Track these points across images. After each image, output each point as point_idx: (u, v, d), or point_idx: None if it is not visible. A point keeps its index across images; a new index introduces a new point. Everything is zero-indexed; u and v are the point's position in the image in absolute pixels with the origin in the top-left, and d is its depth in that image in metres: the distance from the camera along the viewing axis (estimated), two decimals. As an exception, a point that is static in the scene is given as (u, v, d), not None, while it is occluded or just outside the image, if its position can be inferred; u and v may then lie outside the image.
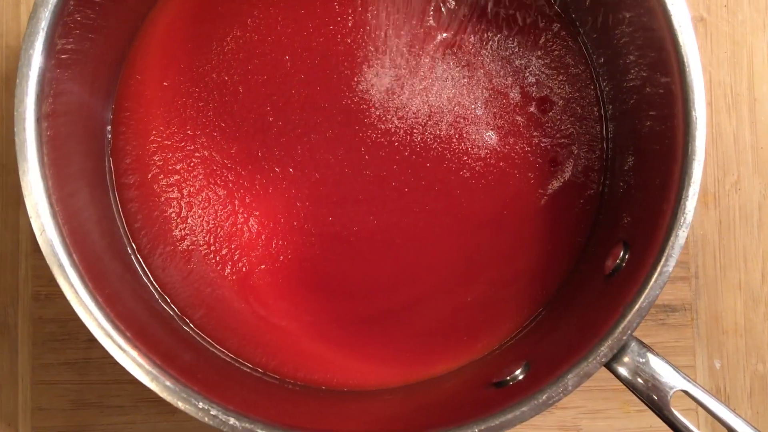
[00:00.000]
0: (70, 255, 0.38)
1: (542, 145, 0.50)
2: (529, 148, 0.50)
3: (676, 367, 0.39)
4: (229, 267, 0.49)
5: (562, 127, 0.50)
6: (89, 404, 0.52)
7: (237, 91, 0.49)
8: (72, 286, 0.37)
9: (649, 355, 0.39)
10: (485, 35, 0.50)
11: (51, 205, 0.38)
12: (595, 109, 0.50)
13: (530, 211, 0.50)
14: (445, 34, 0.50)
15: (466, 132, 0.50)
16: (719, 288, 0.54)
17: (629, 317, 0.38)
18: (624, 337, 0.38)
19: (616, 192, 0.49)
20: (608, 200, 0.49)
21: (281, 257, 0.49)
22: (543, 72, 0.50)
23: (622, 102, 0.49)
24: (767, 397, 0.54)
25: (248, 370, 0.48)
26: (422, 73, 0.49)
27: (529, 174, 0.50)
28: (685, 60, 0.39)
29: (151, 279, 0.48)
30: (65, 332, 0.52)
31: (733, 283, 0.54)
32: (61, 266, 0.37)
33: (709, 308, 0.54)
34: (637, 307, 0.38)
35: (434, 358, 0.49)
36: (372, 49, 0.49)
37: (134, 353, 0.37)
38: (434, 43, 0.50)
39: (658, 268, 0.38)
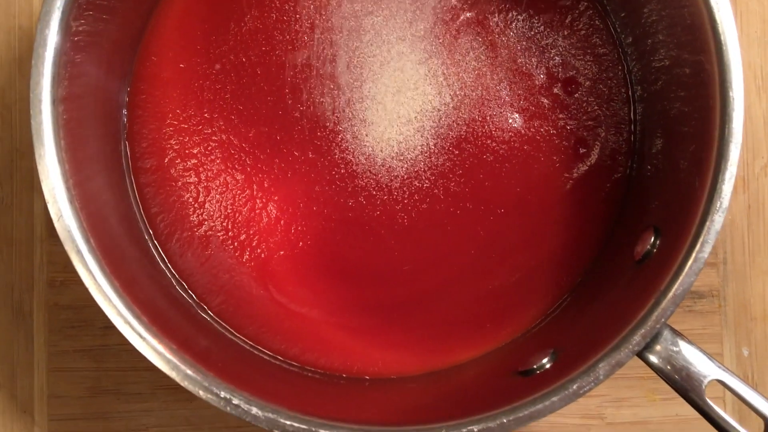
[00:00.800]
0: (87, 241, 0.37)
1: (568, 127, 0.49)
2: (554, 131, 0.49)
3: (710, 356, 0.38)
4: (247, 253, 0.48)
5: (589, 109, 0.49)
6: (106, 391, 0.51)
7: (255, 73, 0.48)
8: (90, 272, 0.36)
9: (682, 343, 0.38)
10: (510, 14, 0.48)
11: (68, 189, 0.37)
12: (623, 90, 0.49)
13: (556, 195, 0.48)
14: (468, 14, 0.48)
15: (490, 115, 0.48)
16: (748, 274, 0.53)
17: (663, 305, 0.37)
18: (657, 326, 0.37)
19: (644, 175, 0.48)
20: (636, 184, 0.48)
21: (301, 243, 0.48)
22: (569, 52, 0.49)
23: (651, 83, 0.47)
24: (796, 386, 0.53)
25: (268, 358, 0.47)
26: (445, 54, 0.48)
27: (555, 157, 0.48)
28: (722, 38, 0.38)
29: (169, 265, 0.47)
30: (81, 319, 0.51)
31: (763, 269, 0.53)
32: (79, 252, 0.36)
33: (737, 295, 0.53)
34: (671, 294, 0.37)
35: (457, 345, 0.48)
36: (397, 27, 0.48)
37: (154, 341, 0.37)
38: (458, 22, 0.48)
39: (693, 254, 0.37)
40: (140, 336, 0.36)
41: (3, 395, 0.51)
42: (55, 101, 0.37)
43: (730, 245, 0.53)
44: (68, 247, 0.36)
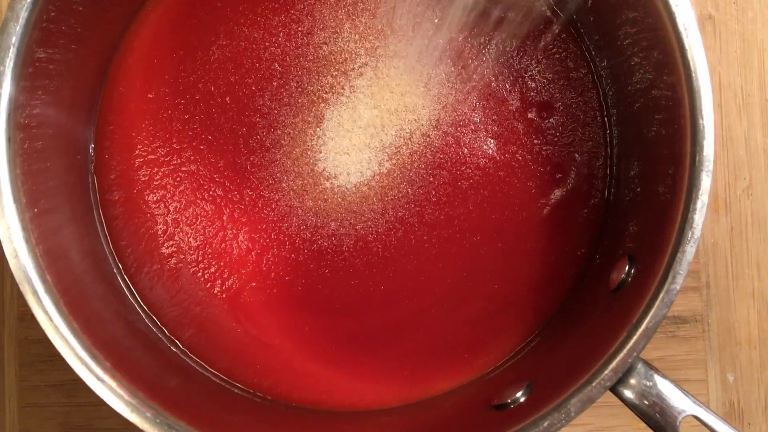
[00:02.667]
0: (44, 279, 0.36)
1: (543, 152, 0.48)
2: (529, 156, 0.48)
3: (685, 391, 0.37)
4: (218, 285, 0.47)
5: (564, 134, 0.48)
6: (78, 427, 0.50)
7: (224, 103, 0.47)
8: (46, 312, 0.36)
9: (657, 378, 0.37)
10: (482, 39, 0.48)
11: (24, 225, 0.37)
12: (598, 114, 0.48)
13: (532, 221, 0.48)
14: (441, 39, 0.48)
15: (464, 140, 0.48)
16: (732, 298, 0.52)
17: (634, 339, 0.36)
18: (629, 360, 0.36)
19: (621, 201, 0.47)
20: (614, 210, 0.47)
21: (272, 274, 0.47)
22: (543, 76, 0.48)
23: (627, 106, 0.47)
24: (783, 412, 0.52)
25: (240, 392, 0.46)
26: (416, 79, 0.48)
27: (530, 183, 0.48)
28: (692, 64, 0.37)
29: (138, 299, 0.47)
30: (52, 353, 0.49)
31: (746, 292, 0.52)
32: (35, 293, 0.36)
33: (721, 319, 0.52)
34: (642, 327, 0.36)
35: (433, 376, 0.48)
36: (367, 54, 0.48)
37: (112, 383, 0.36)
38: (430, 47, 0.48)
39: (665, 286, 0.36)
40: (98, 378, 0.36)
41: (-27, 432, 0.50)
42: (11, 138, 0.36)
43: (713, 268, 0.52)
44: (24, 288, 0.35)
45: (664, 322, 0.52)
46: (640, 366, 0.37)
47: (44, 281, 0.36)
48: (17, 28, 0.36)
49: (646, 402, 0.37)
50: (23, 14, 0.36)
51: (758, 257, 0.52)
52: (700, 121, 0.37)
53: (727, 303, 0.52)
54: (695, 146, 0.37)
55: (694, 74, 0.37)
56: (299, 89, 0.47)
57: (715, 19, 0.53)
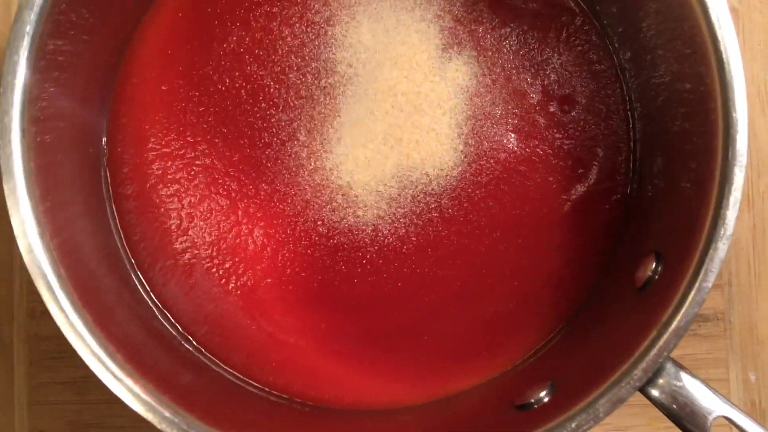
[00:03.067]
0: (58, 274, 0.36)
1: (565, 147, 0.47)
2: (551, 151, 0.47)
3: (715, 390, 0.36)
4: (233, 281, 0.46)
5: (586, 128, 0.47)
6: (89, 425, 0.49)
7: (239, 95, 0.46)
8: (60, 307, 0.35)
9: (686, 377, 0.36)
10: (503, 30, 0.47)
11: (38, 219, 0.36)
12: (621, 108, 0.47)
13: (553, 217, 0.47)
14: (461, 31, 0.47)
15: (484, 134, 0.47)
16: (754, 296, 0.51)
17: (665, 338, 0.35)
18: (659, 359, 0.35)
19: (644, 197, 0.46)
20: (637, 206, 0.46)
21: (288, 270, 0.46)
22: (565, 69, 0.47)
23: (651, 99, 0.46)
24: (806, 412, 0.51)
25: (254, 390, 0.46)
26: (437, 72, 0.47)
27: (551, 178, 0.47)
28: (724, 57, 0.36)
29: (152, 295, 0.46)
30: (62, 350, 0.49)
31: (769, 290, 0.51)
32: (49, 287, 0.35)
33: (743, 317, 0.51)
34: (673, 326, 0.35)
35: (451, 374, 0.47)
36: (386, 45, 0.47)
37: (129, 381, 0.35)
38: (451, 39, 0.47)
39: (696, 284, 0.35)
40: (115, 376, 0.35)
41: (-18, 430, 0.49)
42: (25, 129, 0.35)
43: (735, 266, 0.51)
44: (38, 283, 0.35)
45: (686, 321, 0.51)
46: (669, 365, 0.36)
47: (58, 275, 0.35)
48: (32, 16, 0.35)
49: (674, 402, 0.36)
50: (38, 1, 0.35)
51: (781, 255, 0.51)
52: (733, 115, 0.36)
53: (749, 301, 0.51)
54: (728, 140, 0.36)
55: (727, 66, 0.36)
56: (316, 81, 0.46)
57: (738, 12, 0.52)
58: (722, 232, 0.35)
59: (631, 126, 0.47)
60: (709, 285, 0.35)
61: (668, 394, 0.36)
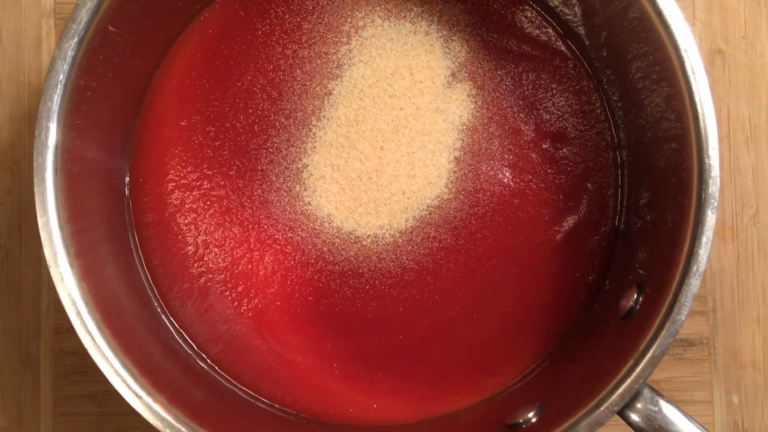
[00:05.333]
0: (83, 293, 0.39)
1: (557, 181, 0.50)
2: (543, 185, 0.50)
3: (689, 416, 0.38)
4: (245, 303, 0.49)
5: (577, 164, 0.50)
6: (109, 435, 0.53)
7: (252, 130, 0.49)
8: (84, 324, 0.38)
9: (662, 403, 0.39)
10: (500, 71, 0.50)
11: (65, 242, 0.39)
12: (611, 145, 0.50)
13: (545, 247, 0.50)
14: (461, 71, 0.50)
15: (481, 168, 0.50)
16: (737, 322, 0.54)
17: (641, 366, 0.38)
18: (636, 386, 0.38)
19: (632, 229, 0.49)
20: (624, 238, 0.49)
21: (296, 294, 0.49)
22: (558, 109, 0.50)
23: (638, 136, 0.48)
24: (786, 433, 0.54)
25: (264, 406, 0.49)
26: (439, 111, 0.50)
27: (544, 211, 0.50)
28: (699, 108, 0.39)
29: (169, 316, 0.49)
30: (85, 365, 0.53)
31: (752, 317, 0.54)
32: (73, 304, 0.38)
33: (726, 343, 0.54)
34: (649, 355, 0.38)
35: (449, 394, 0.50)
36: (389, 88, 0.50)
37: (146, 397, 0.38)
38: (451, 80, 0.50)
39: (671, 316, 0.38)
40: (133, 392, 0.38)
41: (10, 439, 0.52)
42: (57, 169, 0.39)
43: (719, 294, 0.54)
44: (63, 298, 0.38)
45: (672, 345, 0.53)
46: (646, 391, 0.39)
47: (83, 296, 0.39)
48: (64, 66, 0.39)
49: (651, 426, 0.38)
50: (70, 53, 0.39)
51: (764, 283, 0.54)
52: (707, 161, 0.38)
53: (733, 327, 0.54)
54: (702, 184, 0.39)
55: (701, 116, 0.39)
56: (325, 119, 0.49)
57: (724, 52, 0.55)
58: (695, 269, 0.38)
59: (619, 161, 0.50)
60: (683, 317, 0.38)
61: (645, 417, 0.39)
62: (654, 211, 0.47)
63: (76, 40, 0.39)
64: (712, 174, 0.38)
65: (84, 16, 0.39)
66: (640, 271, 0.45)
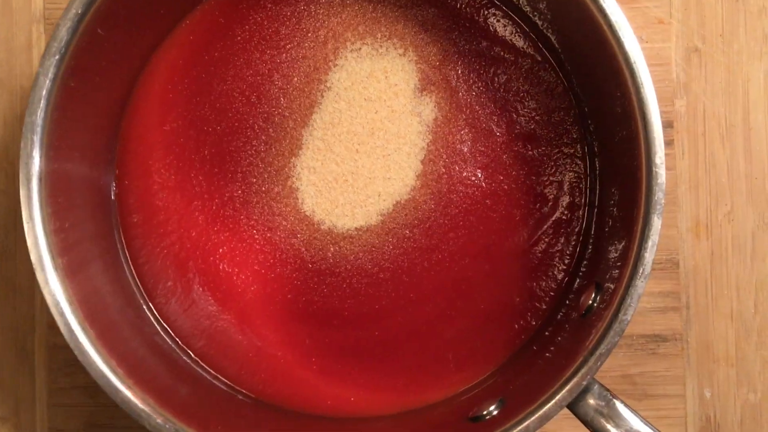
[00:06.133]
0: (67, 291, 0.44)
1: (528, 182, 0.54)
2: (515, 185, 0.54)
3: (634, 410, 0.43)
4: (227, 300, 0.54)
5: (548, 165, 0.54)
6: (101, 425, 0.58)
7: (232, 133, 0.54)
8: (67, 323, 0.44)
9: (610, 398, 0.43)
10: (471, 74, 0.54)
11: (48, 238, 0.44)
12: (580, 146, 0.54)
13: (517, 247, 0.54)
14: (434, 74, 0.54)
15: (454, 170, 0.54)
16: (710, 317, 0.58)
17: (589, 364, 0.42)
18: (584, 382, 0.42)
19: (602, 229, 0.53)
20: (594, 237, 0.53)
21: (276, 291, 0.54)
22: (529, 110, 0.54)
23: (606, 138, 0.52)
24: (758, 427, 0.57)
25: (245, 399, 0.54)
26: (412, 113, 0.54)
27: (515, 211, 0.54)
28: (648, 116, 0.43)
29: (154, 312, 0.54)
30: (78, 358, 0.58)
31: (725, 312, 0.58)
32: (57, 304, 0.44)
33: (699, 337, 0.58)
34: (596, 353, 0.42)
35: (424, 388, 0.54)
36: (361, 86, 0.54)
37: (128, 393, 0.43)
38: (424, 82, 0.54)
39: (618, 316, 0.42)
40: (116, 389, 0.43)
41: (8, 428, 0.58)
42: (43, 177, 0.44)
43: (693, 290, 0.58)
44: (48, 300, 0.43)
45: (645, 340, 0.58)
46: (596, 387, 0.43)
47: (66, 295, 0.44)
48: (47, 82, 0.43)
49: (599, 420, 0.43)
50: (52, 70, 0.43)
51: (737, 279, 0.58)
52: (654, 169, 0.42)
53: (706, 322, 0.58)
54: (649, 190, 0.43)
55: (649, 124, 0.43)
56: (301, 121, 0.54)
57: (701, 51, 0.58)
58: (641, 272, 0.42)
59: (588, 163, 0.54)
60: (629, 318, 0.42)
61: (594, 411, 0.43)
62: (621, 210, 0.50)
63: (57, 57, 0.43)
64: (659, 181, 0.42)
65: (65, 34, 0.43)
66: (601, 271, 0.49)
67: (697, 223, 0.58)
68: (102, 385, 0.44)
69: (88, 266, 0.49)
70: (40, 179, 0.44)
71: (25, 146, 0.44)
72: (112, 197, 0.54)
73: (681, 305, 0.58)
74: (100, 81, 0.50)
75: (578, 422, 0.56)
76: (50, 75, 0.43)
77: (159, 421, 0.43)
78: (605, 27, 0.43)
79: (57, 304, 0.44)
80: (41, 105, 0.43)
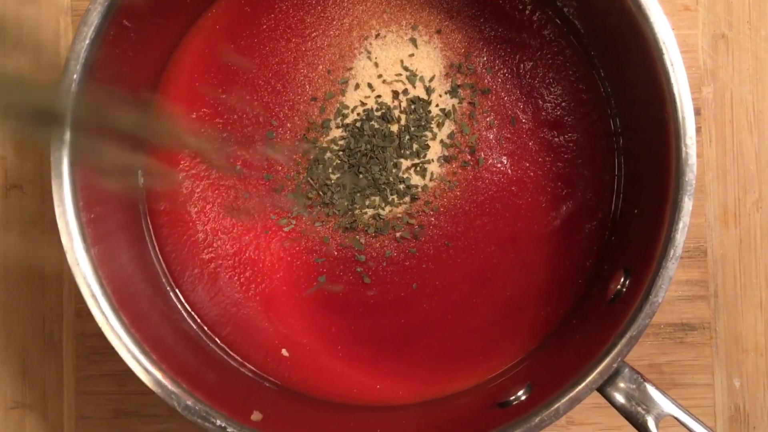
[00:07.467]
0: (99, 280, 0.44)
1: (554, 168, 0.54)
2: (541, 172, 0.54)
3: (665, 393, 0.42)
4: (253, 288, 0.54)
5: (574, 151, 0.54)
6: (128, 413, 0.58)
7: (258, 122, 0.54)
8: (101, 310, 0.44)
9: (640, 381, 0.43)
10: (497, 61, 0.54)
11: (81, 229, 0.45)
12: (606, 134, 0.54)
13: (543, 233, 0.54)
14: (460, 61, 0.54)
15: (480, 157, 0.54)
16: (739, 307, 0.57)
17: (619, 346, 0.42)
18: (614, 365, 0.42)
19: (627, 216, 0.53)
20: (620, 224, 0.53)
21: (302, 279, 0.54)
22: (554, 97, 0.54)
23: (632, 124, 0.52)
24: (788, 417, 0.57)
25: (270, 386, 0.54)
26: (438, 99, 0.54)
27: (541, 197, 0.54)
28: (678, 99, 0.43)
29: (182, 299, 0.54)
30: (105, 346, 0.57)
31: (754, 302, 0.57)
32: (92, 294, 0.44)
33: (728, 327, 0.57)
34: (627, 336, 0.42)
35: (449, 377, 0.54)
36: (387, 74, 0.54)
37: (158, 374, 0.43)
38: (450, 69, 0.54)
39: (649, 299, 0.42)
40: (146, 370, 0.43)
41: (36, 416, 0.58)
42: (73, 163, 0.44)
43: (721, 278, 0.57)
44: (82, 288, 0.43)
45: (673, 329, 0.57)
46: (626, 371, 0.43)
47: (99, 281, 0.44)
48: (77, 66, 0.44)
49: (629, 402, 0.42)
50: (83, 54, 0.44)
51: (766, 268, 0.57)
52: (684, 149, 0.42)
53: (735, 312, 0.57)
54: (679, 171, 0.42)
55: (679, 106, 0.43)
56: (328, 111, 0.54)
57: (728, 38, 0.58)
58: (672, 253, 0.42)
59: (615, 150, 0.54)
60: (659, 300, 0.42)
61: (624, 395, 0.43)
62: (645, 197, 0.50)
63: (87, 42, 0.44)
64: (689, 162, 0.42)
65: (95, 19, 0.44)
66: (629, 257, 0.48)
67: (725, 211, 0.57)
68: (134, 369, 0.44)
69: (119, 255, 0.50)
70: (71, 164, 0.44)
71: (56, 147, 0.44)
72: (140, 185, 0.54)
73: (709, 294, 0.57)
74: (128, 69, 0.50)
75: (605, 411, 0.56)
76: (81, 59, 0.44)
77: (189, 402, 0.43)
78: (634, 9, 0.43)
79: (88, 285, 0.45)
80: (71, 90, 0.44)
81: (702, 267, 0.57)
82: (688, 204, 0.42)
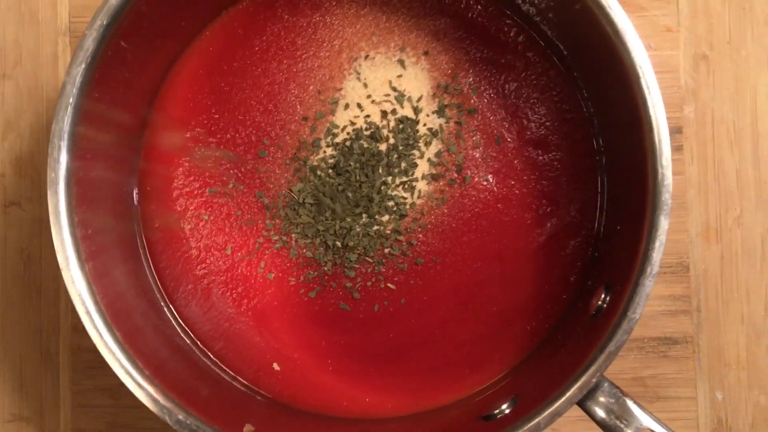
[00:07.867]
0: (93, 295, 0.46)
1: (539, 186, 0.55)
2: (526, 190, 0.55)
3: (643, 407, 0.44)
4: (245, 303, 0.56)
5: (559, 169, 0.55)
6: (124, 426, 0.60)
7: (250, 141, 0.56)
8: (95, 325, 0.45)
9: (620, 396, 0.44)
10: (483, 82, 0.55)
11: (76, 245, 0.46)
12: (590, 150, 0.55)
13: (528, 250, 0.55)
14: (447, 81, 0.55)
15: (466, 175, 0.55)
16: (721, 321, 0.58)
17: (598, 361, 0.43)
18: (593, 380, 0.43)
19: (610, 233, 0.54)
20: (603, 241, 0.54)
21: (293, 295, 0.56)
22: (539, 117, 0.55)
23: (614, 143, 0.53)
24: (769, 429, 0.58)
25: (262, 399, 0.55)
26: (425, 119, 0.55)
27: (526, 215, 0.55)
28: (654, 123, 0.44)
29: (175, 314, 0.55)
30: (101, 360, 0.59)
31: (735, 316, 0.58)
32: (87, 311, 0.45)
33: (711, 341, 0.58)
34: (606, 351, 0.43)
35: (437, 391, 0.55)
36: (375, 94, 0.55)
37: (151, 389, 0.45)
38: (437, 89, 0.55)
39: (627, 315, 0.43)
40: (142, 388, 0.45)
41: (32, 429, 0.60)
42: (69, 182, 0.45)
43: (704, 293, 0.58)
44: (76, 303, 0.45)
45: (656, 343, 0.58)
46: (606, 385, 0.44)
47: (93, 297, 0.45)
48: (73, 90, 0.45)
49: (610, 417, 0.44)
50: (79, 78, 0.45)
51: (747, 283, 0.58)
52: (660, 170, 0.44)
53: (717, 326, 0.58)
54: (656, 191, 0.44)
55: (655, 128, 0.44)
56: (318, 130, 0.55)
57: (709, 58, 0.59)
58: (649, 271, 0.43)
59: (598, 168, 0.55)
60: (637, 316, 0.43)
61: (604, 409, 0.44)
62: (626, 215, 0.51)
63: (83, 66, 0.45)
64: (665, 183, 0.43)
65: (91, 44, 0.45)
66: (610, 273, 0.50)
67: (707, 227, 0.59)
68: (127, 384, 0.45)
69: (113, 271, 0.51)
70: (66, 183, 0.46)
71: (52, 152, 0.45)
72: (135, 203, 0.56)
73: (692, 309, 0.59)
74: (123, 91, 0.52)
75: (592, 424, 0.57)
76: (77, 83, 0.45)
77: (181, 417, 0.45)
78: (612, 35, 0.45)
79: (83, 303, 0.46)
80: (68, 112, 0.45)
81: (685, 282, 0.58)
82: (664, 223, 0.43)
